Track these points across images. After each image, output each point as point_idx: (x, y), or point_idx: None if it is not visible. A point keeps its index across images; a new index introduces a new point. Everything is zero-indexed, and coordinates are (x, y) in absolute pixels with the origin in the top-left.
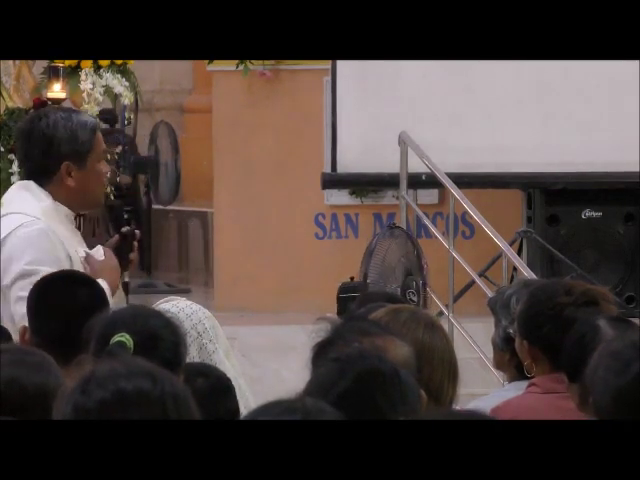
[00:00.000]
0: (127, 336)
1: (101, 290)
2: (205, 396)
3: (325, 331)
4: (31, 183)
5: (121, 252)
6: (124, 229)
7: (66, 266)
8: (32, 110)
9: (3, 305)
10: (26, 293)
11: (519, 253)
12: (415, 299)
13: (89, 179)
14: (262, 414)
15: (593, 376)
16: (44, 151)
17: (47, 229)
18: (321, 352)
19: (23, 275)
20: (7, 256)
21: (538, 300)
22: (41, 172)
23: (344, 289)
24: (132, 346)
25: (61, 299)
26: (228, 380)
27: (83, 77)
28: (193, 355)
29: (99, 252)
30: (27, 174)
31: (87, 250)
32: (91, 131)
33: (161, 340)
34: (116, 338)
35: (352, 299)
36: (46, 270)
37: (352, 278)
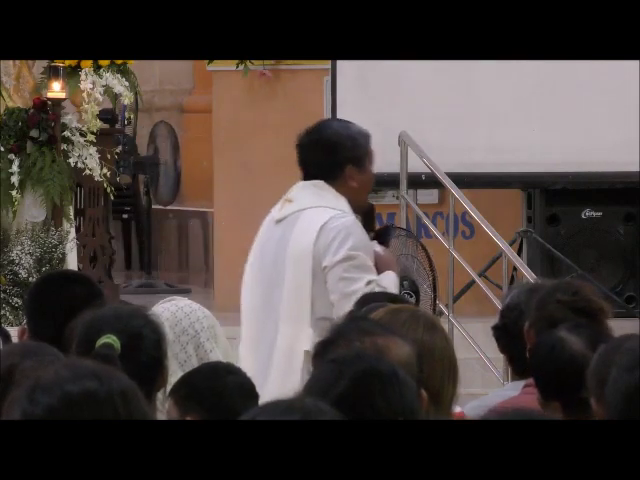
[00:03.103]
0: (114, 337)
1: (97, 288)
2: (234, 394)
3: (327, 330)
4: (322, 182)
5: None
6: (381, 226)
7: (372, 255)
8: (32, 110)
9: (316, 285)
10: (348, 274)
11: (519, 253)
12: (413, 300)
13: (365, 181)
14: (261, 414)
15: (601, 374)
16: (329, 157)
17: (357, 221)
18: (322, 352)
19: (346, 258)
20: (326, 242)
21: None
22: (325, 174)
23: None
24: (119, 347)
25: (56, 298)
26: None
27: (83, 77)
28: (190, 354)
29: (376, 246)
30: (309, 176)
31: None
32: (366, 138)
33: (144, 338)
34: (103, 339)
35: None
36: (363, 256)
37: None
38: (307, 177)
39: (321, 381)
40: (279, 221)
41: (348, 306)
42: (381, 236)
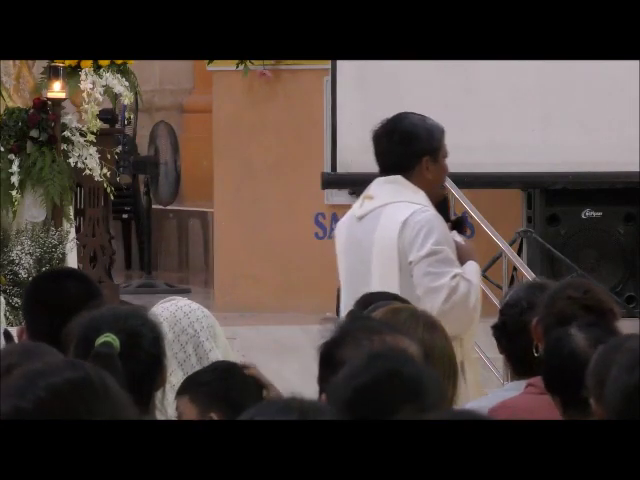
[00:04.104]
0: (113, 336)
1: (95, 286)
2: (253, 391)
3: (331, 331)
4: (400, 177)
5: None
6: (455, 217)
7: (454, 247)
8: (32, 110)
9: (403, 279)
10: (434, 269)
11: (519, 253)
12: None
13: (440, 174)
14: (259, 414)
15: (600, 374)
16: (407, 148)
17: (438, 215)
18: (330, 351)
19: (431, 254)
20: (411, 237)
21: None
22: (402, 166)
23: None
24: (119, 346)
25: (51, 295)
26: None
27: (83, 77)
28: (189, 353)
29: (456, 236)
30: (384, 169)
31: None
32: (441, 131)
33: (142, 337)
34: (102, 338)
35: None
36: (447, 250)
37: None
38: (383, 168)
39: (348, 371)
40: (361, 218)
41: (434, 300)
42: (457, 226)
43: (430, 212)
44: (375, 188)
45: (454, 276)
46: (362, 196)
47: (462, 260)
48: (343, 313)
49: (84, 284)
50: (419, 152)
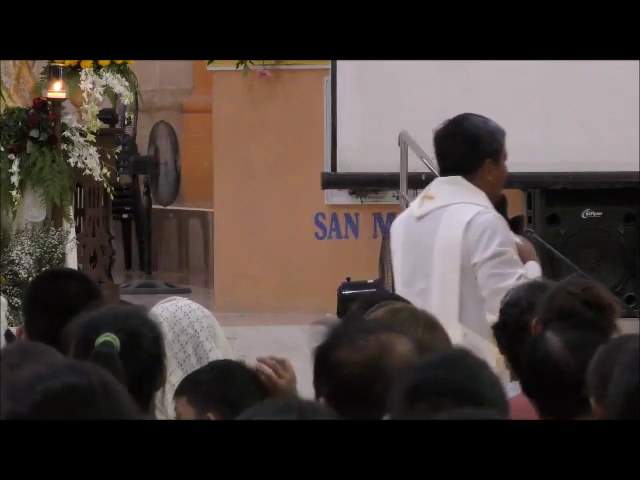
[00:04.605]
0: (113, 335)
1: (94, 286)
2: (251, 390)
3: (324, 333)
4: (460, 178)
5: None
6: (512, 217)
7: (516, 248)
8: (32, 110)
9: (466, 280)
10: (499, 270)
11: None
12: None
13: (501, 175)
14: (257, 414)
15: (601, 374)
16: (469, 149)
17: (500, 216)
18: (325, 353)
19: (495, 255)
20: (474, 239)
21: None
22: (464, 167)
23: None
24: (119, 345)
25: (51, 295)
26: None
27: (83, 77)
28: (189, 353)
29: (515, 237)
30: (446, 170)
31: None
32: (502, 134)
33: (142, 337)
34: (102, 338)
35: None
36: (511, 252)
37: (348, 279)
38: (445, 169)
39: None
40: (420, 218)
41: (499, 302)
42: (515, 226)
43: (493, 213)
44: (435, 188)
45: (520, 277)
46: (420, 196)
47: (523, 260)
48: None
49: (84, 284)
50: (481, 154)
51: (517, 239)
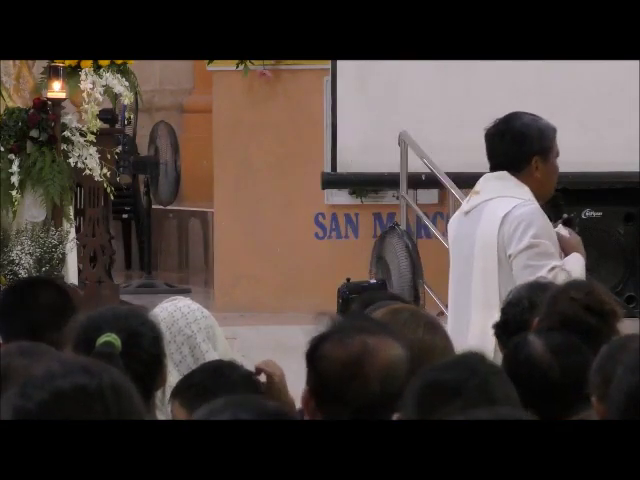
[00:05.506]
0: (114, 335)
1: (65, 291)
2: (242, 390)
3: (325, 326)
4: (505, 173)
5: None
6: (566, 216)
7: (556, 242)
8: (32, 110)
9: (502, 272)
10: (533, 262)
11: None
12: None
13: (550, 173)
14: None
15: (604, 373)
16: (517, 148)
17: (540, 208)
18: (316, 345)
19: (529, 247)
20: (510, 230)
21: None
22: (512, 165)
23: (354, 287)
24: (120, 345)
25: (24, 300)
26: None
27: (83, 77)
28: (185, 354)
29: (562, 230)
30: (495, 168)
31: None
32: (553, 131)
33: (143, 337)
34: (103, 338)
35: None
36: (546, 244)
37: (348, 279)
38: (494, 167)
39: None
40: (467, 213)
41: None
42: (567, 222)
43: (531, 206)
44: (482, 183)
45: (552, 268)
46: (471, 192)
47: (567, 253)
48: (451, 313)
49: (57, 290)
50: (529, 152)
51: (564, 232)
